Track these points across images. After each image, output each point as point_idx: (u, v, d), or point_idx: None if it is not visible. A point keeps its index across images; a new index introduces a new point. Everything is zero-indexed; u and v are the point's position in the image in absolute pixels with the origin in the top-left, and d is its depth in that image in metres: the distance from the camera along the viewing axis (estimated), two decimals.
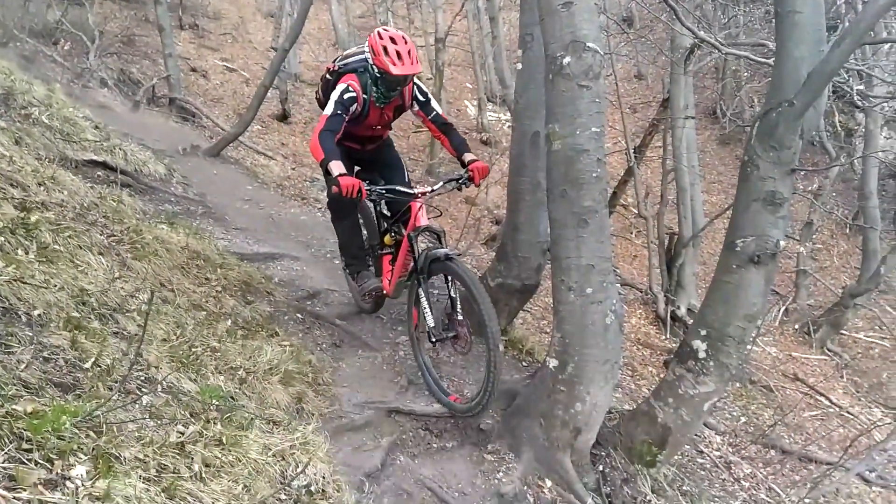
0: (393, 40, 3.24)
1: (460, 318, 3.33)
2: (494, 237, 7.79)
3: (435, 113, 3.63)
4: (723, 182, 12.64)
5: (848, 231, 11.58)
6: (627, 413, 3.61)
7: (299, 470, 2.28)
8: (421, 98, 3.62)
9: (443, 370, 3.82)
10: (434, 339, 3.41)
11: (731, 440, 5.64)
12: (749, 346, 3.45)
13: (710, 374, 3.26)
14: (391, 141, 3.99)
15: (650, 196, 9.53)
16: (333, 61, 3.63)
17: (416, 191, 3.39)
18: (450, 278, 3.33)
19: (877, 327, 9.63)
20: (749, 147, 3.21)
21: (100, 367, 2.25)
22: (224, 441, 2.19)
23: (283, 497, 2.14)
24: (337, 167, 3.13)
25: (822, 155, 12.02)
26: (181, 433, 2.13)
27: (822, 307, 9.24)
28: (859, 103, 8.91)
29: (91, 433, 1.89)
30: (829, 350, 8.90)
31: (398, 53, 3.22)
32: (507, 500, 3.04)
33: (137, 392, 2.27)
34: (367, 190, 3.18)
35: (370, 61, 3.33)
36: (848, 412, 7.37)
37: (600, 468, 3.36)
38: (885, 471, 6.42)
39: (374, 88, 3.42)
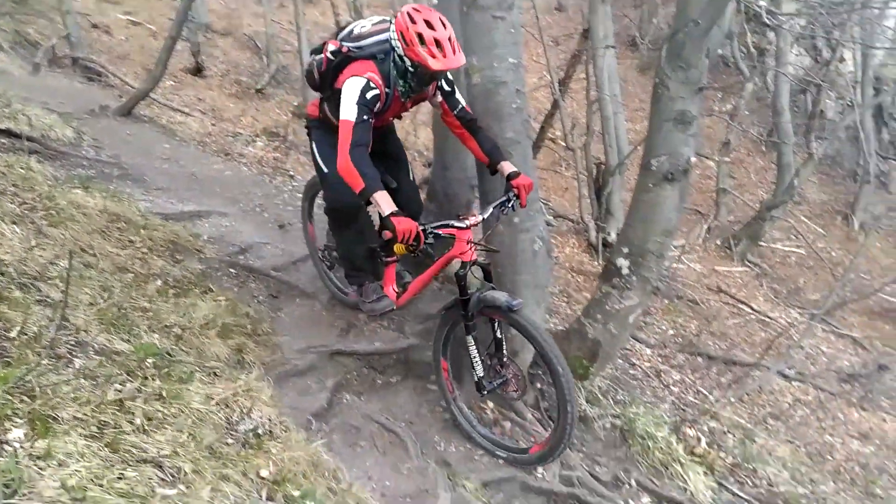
0: (429, 25, 2.65)
1: (506, 359, 3.02)
2: (428, 180, 7.80)
3: (461, 107, 3.07)
4: (645, 109, 12.90)
5: (763, 148, 12.13)
6: (560, 332, 3.80)
7: (244, 415, 2.33)
8: (446, 87, 3.04)
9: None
10: (485, 391, 3.05)
11: (660, 352, 5.99)
12: (667, 260, 3.66)
13: (634, 288, 3.45)
14: (394, 126, 3.45)
15: (577, 128, 9.68)
16: (338, 38, 3.00)
17: (468, 223, 2.85)
18: (496, 320, 2.95)
19: (792, 237, 10.26)
20: (659, 69, 3.32)
21: (26, 335, 2.21)
22: (164, 395, 2.20)
23: (230, 441, 2.18)
24: (386, 202, 2.59)
25: (737, 76, 12.44)
26: (119, 391, 2.13)
27: (741, 222, 9.73)
28: (768, 22, 9.21)
29: (25, 398, 1.87)
30: (749, 262, 9.44)
31: (437, 42, 2.63)
32: (451, 423, 3.19)
33: (69, 356, 2.24)
34: (424, 233, 2.65)
35: (398, 50, 2.73)
36: (768, 317, 7.88)
37: (538, 386, 3.54)
38: (803, 367, 7.00)
39: (402, 82, 2.87)
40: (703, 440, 3.82)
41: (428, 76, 2.81)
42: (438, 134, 4.15)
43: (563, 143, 11.44)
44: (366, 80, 2.74)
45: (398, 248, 3.01)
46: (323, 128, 3.23)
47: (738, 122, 10.10)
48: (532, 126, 4.01)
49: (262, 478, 2.11)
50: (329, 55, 2.97)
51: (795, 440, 5.20)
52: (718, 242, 9.74)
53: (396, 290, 3.35)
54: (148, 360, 2.38)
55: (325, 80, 3.04)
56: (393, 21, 2.78)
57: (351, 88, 2.74)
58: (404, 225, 2.56)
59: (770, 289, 8.99)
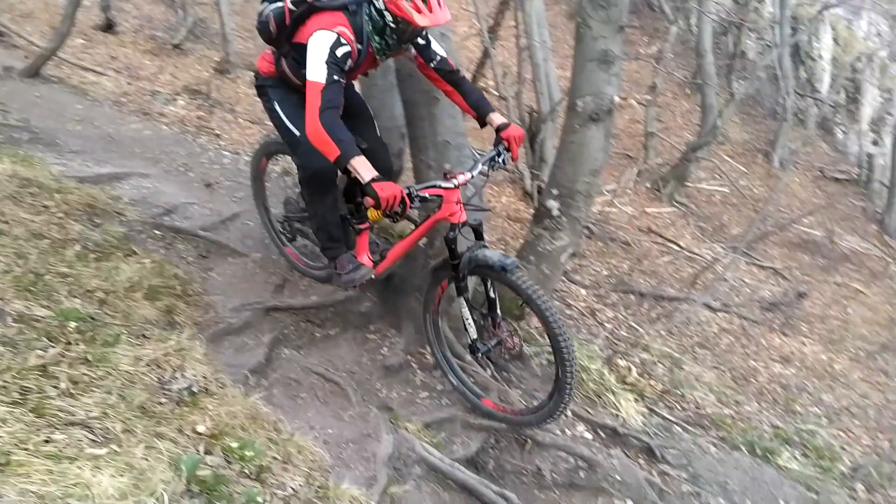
0: None
1: (500, 319, 2.93)
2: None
3: (440, 58, 2.85)
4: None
5: (688, 91, 12.44)
6: None
7: (176, 374, 2.29)
8: (420, 41, 2.80)
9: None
10: (479, 352, 2.99)
11: (595, 292, 6.19)
12: (596, 199, 3.75)
13: (564, 228, 3.52)
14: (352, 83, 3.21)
15: (508, 76, 9.66)
16: None
17: (457, 182, 2.68)
18: (489, 279, 2.84)
19: (716, 176, 10.65)
20: (580, 9, 3.33)
21: None
22: (90, 359, 2.14)
23: (163, 401, 2.15)
24: (366, 168, 2.42)
25: (662, 19, 12.61)
26: (41, 356, 2.06)
27: (669, 164, 10.02)
28: None
29: None
30: (677, 202, 9.77)
31: None
32: (392, 370, 3.24)
33: None
34: (409, 197, 2.49)
35: (377, 2, 2.52)
36: (694, 253, 8.22)
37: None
38: (728, 298, 7.38)
39: (377, 38, 2.63)
40: (634, 370, 4.01)
41: (410, 33, 2.57)
42: (363, 81, 4.06)
43: (496, 93, 11.44)
44: (335, 35, 2.47)
45: (372, 213, 2.91)
46: (283, 86, 2.94)
47: (663, 66, 10.29)
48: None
49: (199, 433, 2.10)
50: (290, 5, 2.65)
51: (721, 366, 5.52)
52: (648, 185, 10.02)
53: (372, 258, 3.15)
54: (70, 324, 2.30)
55: (284, 33, 2.72)
56: None
57: (318, 45, 2.47)
58: (388, 191, 2.37)
59: (697, 227, 9.35)
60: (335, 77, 2.46)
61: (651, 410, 3.73)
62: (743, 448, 3.41)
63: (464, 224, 2.74)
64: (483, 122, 2.92)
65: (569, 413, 3.31)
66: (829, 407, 5.08)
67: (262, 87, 3.02)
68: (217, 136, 6.35)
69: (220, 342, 3.06)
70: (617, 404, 3.41)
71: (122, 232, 3.48)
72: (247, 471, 2.03)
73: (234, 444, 2.03)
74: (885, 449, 4.35)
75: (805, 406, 5.09)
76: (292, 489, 2.04)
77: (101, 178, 4.18)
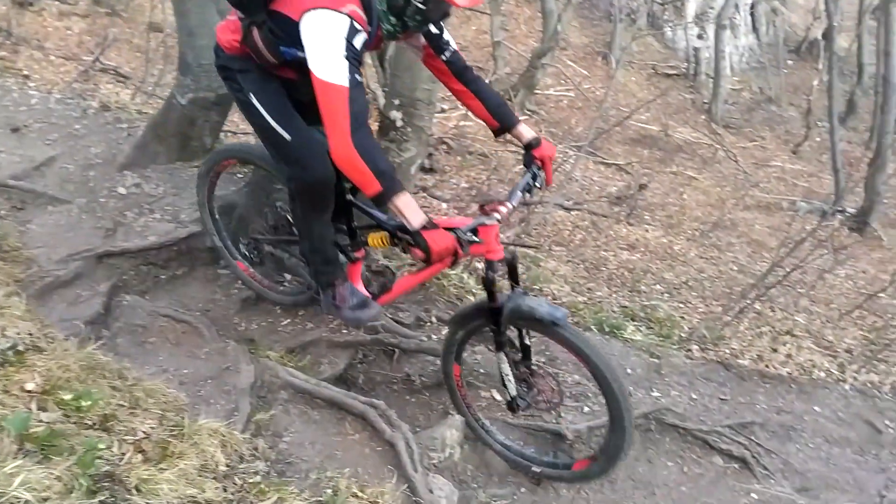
0: None
1: (535, 366, 2.54)
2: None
3: (452, 51, 2.40)
4: None
5: None
6: None
7: None
8: (434, 28, 2.33)
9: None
10: (520, 409, 2.56)
11: (455, 205, 6.30)
12: (436, 106, 3.73)
13: (410, 139, 3.49)
14: None
15: None
16: None
17: (498, 217, 2.21)
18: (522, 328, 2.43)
19: (562, 81, 11.03)
20: None
21: None
22: None
23: None
24: (413, 209, 2.01)
25: None
26: None
27: (517, 73, 10.20)
28: None
29: None
30: (528, 110, 10.05)
31: None
32: (250, 303, 3.13)
33: None
34: (460, 243, 2.08)
35: None
36: None
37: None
38: (579, 197, 7.81)
39: (393, 20, 2.12)
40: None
41: (439, 14, 2.11)
42: None
43: None
44: (348, 18, 1.96)
45: (375, 240, 2.53)
46: (254, 69, 2.32)
47: None
48: None
49: (29, 391, 1.92)
50: None
51: (575, 259, 5.89)
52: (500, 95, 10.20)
53: (369, 290, 2.71)
54: None
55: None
56: None
57: (327, 31, 1.96)
58: (441, 242, 1.98)
59: (548, 132, 9.71)
60: (357, 77, 1.97)
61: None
62: (593, 328, 3.69)
63: (500, 261, 2.32)
64: (500, 132, 2.50)
65: (434, 319, 3.39)
66: (669, 283, 5.61)
67: (227, 69, 2.37)
68: (26, 76, 5.58)
69: (49, 297, 2.79)
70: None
71: None
72: (89, 421, 1.90)
73: (68, 397, 1.88)
74: (717, 313, 4.88)
75: (649, 285, 5.57)
76: (143, 433, 1.94)
77: None
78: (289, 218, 2.83)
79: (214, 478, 1.91)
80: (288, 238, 2.89)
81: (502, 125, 2.48)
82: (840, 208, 7.72)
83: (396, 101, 3.47)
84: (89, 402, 1.88)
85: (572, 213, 7.24)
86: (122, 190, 3.57)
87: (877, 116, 8.37)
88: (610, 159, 9.09)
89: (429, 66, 2.51)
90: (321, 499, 1.97)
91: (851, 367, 3.87)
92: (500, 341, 2.41)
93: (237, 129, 5.60)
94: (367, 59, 8.18)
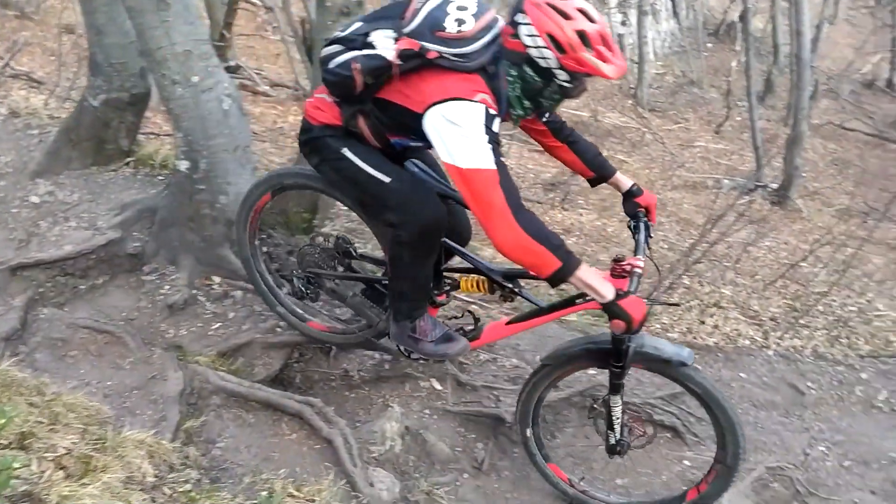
0: (586, 15, 1.85)
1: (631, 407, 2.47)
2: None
3: (550, 113, 2.27)
4: None
5: None
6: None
7: None
8: None
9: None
10: (624, 451, 2.41)
11: None
12: None
13: None
14: None
15: None
16: (407, 32, 1.96)
17: (640, 272, 2.08)
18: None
19: None
20: None
21: None
22: None
23: None
24: (599, 281, 1.93)
25: None
26: None
27: None
28: None
29: None
30: None
31: (603, 40, 1.86)
32: (177, 308, 3.03)
33: None
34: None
35: (546, 61, 1.88)
36: None
37: (265, 250, 3.48)
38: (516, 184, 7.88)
39: (527, 103, 2.02)
40: None
41: (581, 91, 2.00)
42: None
43: (260, 2, 10.68)
44: (482, 106, 1.89)
45: (467, 283, 2.42)
46: (353, 137, 2.23)
47: None
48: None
49: None
50: (397, 58, 1.96)
51: None
52: None
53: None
54: None
55: (369, 89, 2.07)
56: (522, 13, 1.87)
57: (465, 121, 1.87)
58: (639, 309, 1.91)
59: None
60: (501, 159, 1.91)
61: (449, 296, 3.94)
62: None
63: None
64: (597, 183, 2.42)
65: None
66: (604, 265, 5.72)
67: (320, 139, 2.27)
68: None
69: None
70: None
71: None
72: (4, 441, 1.81)
73: None
74: (648, 290, 5.03)
75: None
76: (64, 448, 1.86)
77: None
78: (351, 251, 2.70)
79: (142, 489, 1.85)
80: (358, 276, 2.72)
81: (599, 175, 2.41)
82: (762, 183, 8.07)
83: None
84: (3, 421, 1.79)
85: None
86: (34, 199, 3.41)
87: (793, 94, 8.76)
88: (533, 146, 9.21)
89: (526, 129, 2.39)
90: (256, 502, 1.94)
91: (775, 333, 4.05)
92: (619, 384, 2.25)
93: (160, 131, 5.40)
94: (296, 53, 8.04)
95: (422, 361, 2.76)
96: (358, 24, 2.09)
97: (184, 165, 3.12)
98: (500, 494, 2.54)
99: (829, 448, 3.05)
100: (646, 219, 2.38)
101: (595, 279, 1.92)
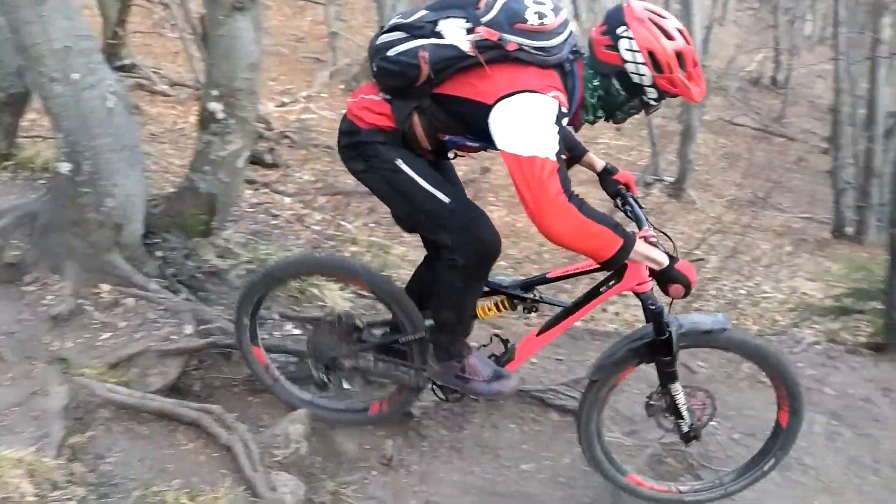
0: (684, 36, 1.90)
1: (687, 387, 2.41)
2: None
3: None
4: None
5: None
6: (172, 194, 3.57)
7: None
8: None
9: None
10: (698, 436, 2.42)
11: (301, 199, 6.17)
12: (258, 96, 3.61)
13: (234, 131, 3.34)
14: None
15: None
16: (486, 21, 1.90)
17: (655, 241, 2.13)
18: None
19: None
20: None
21: None
22: None
23: None
24: (655, 249, 1.99)
25: None
26: None
27: (358, 63, 10.13)
28: None
29: None
30: None
31: (694, 63, 1.90)
32: (62, 319, 2.85)
33: None
34: None
35: (641, 77, 1.90)
36: None
37: (159, 254, 3.34)
38: None
39: (600, 112, 2.06)
40: None
41: (656, 109, 2.04)
42: None
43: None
44: (555, 102, 1.89)
45: (483, 310, 2.37)
46: (401, 144, 2.13)
47: None
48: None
49: None
50: (476, 48, 1.90)
51: None
52: (342, 87, 10.08)
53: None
54: None
55: (430, 81, 1.99)
56: (625, 27, 1.89)
57: (537, 113, 1.86)
58: (691, 271, 2.00)
59: None
60: (560, 152, 1.88)
61: (359, 295, 3.91)
62: None
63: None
64: (571, 164, 2.37)
65: (276, 315, 3.29)
66: (513, 258, 5.88)
67: (369, 144, 2.13)
68: None
69: None
70: (322, 296, 3.48)
71: None
72: None
73: None
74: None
75: (497, 265, 5.81)
76: None
77: None
78: (357, 324, 2.55)
79: None
80: (383, 343, 2.55)
81: (572, 156, 2.39)
82: (658, 177, 8.50)
83: (215, 92, 3.32)
84: None
85: None
86: None
87: None
88: None
89: None
90: None
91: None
92: (673, 372, 2.26)
93: (47, 133, 5.06)
94: (196, 51, 7.72)
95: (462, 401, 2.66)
96: (423, 12, 2.01)
97: (65, 167, 2.95)
98: (408, 489, 2.54)
99: (719, 422, 3.24)
100: (629, 193, 2.42)
101: (652, 249, 1.98)
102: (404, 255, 5.40)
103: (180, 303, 3.05)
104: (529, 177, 1.85)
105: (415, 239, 6.08)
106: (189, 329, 2.92)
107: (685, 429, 2.38)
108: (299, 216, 5.68)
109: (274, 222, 5.26)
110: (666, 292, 2.06)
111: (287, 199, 6.01)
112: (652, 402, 2.42)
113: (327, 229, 5.50)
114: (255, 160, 6.44)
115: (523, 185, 1.87)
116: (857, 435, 3.20)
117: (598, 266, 2.08)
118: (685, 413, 2.35)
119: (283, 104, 8.99)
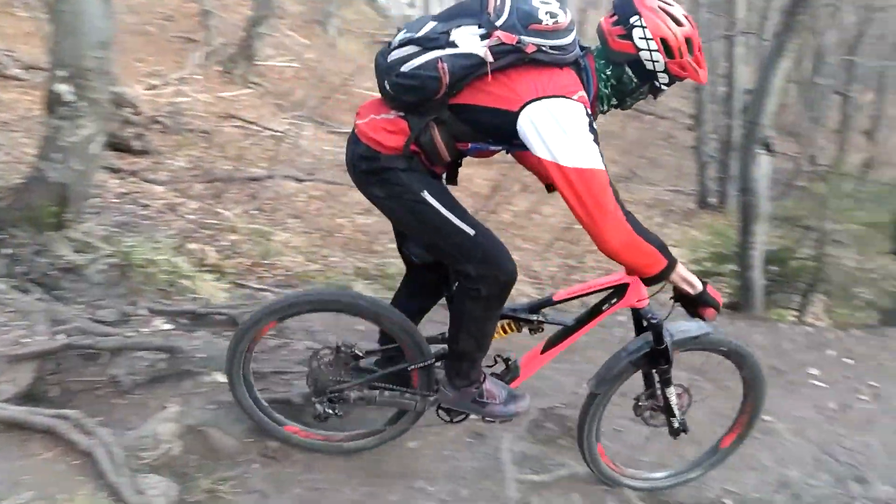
0: (691, 22, 1.96)
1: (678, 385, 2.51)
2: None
3: None
4: None
5: None
6: (19, 185, 3.27)
7: None
8: None
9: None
10: (686, 431, 2.56)
11: (174, 187, 5.82)
12: (111, 75, 3.37)
13: (85, 114, 3.11)
14: None
15: None
16: (500, 24, 1.87)
17: None
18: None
19: (283, 52, 10.75)
20: None
21: None
22: None
23: None
24: (692, 274, 2.14)
25: None
26: None
27: (234, 43, 9.68)
28: None
29: None
30: (252, 82, 9.62)
31: (699, 48, 1.96)
32: None
33: None
34: None
35: (654, 64, 1.95)
36: (277, 131, 8.30)
37: (7, 251, 3.05)
38: (312, 167, 7.72)
39: (615, 101, 2.10)
40: (213, 252, 3.95)
41: (662, 94, 2.10)
42: None
43: None
44: (581, 105, 1.90)
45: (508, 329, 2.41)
46: (418, 168, 2.06)
47: None
48: None
49: None
50: (492, 53, 1.85)
51: (311, 230, 5.86)
52: (218, 68, 9.59)
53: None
54: None
55: (447, 95, 1.94)
56: (637, 16, 1.92)
57: (569, 119, 1.87)
58: (718, 295, 2.19)
59: (275, 104, 9.43)
60: (603, 158, 1.92)
61: (237, 285, 3.77)
62: None
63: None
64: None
65: (144, 311, 3.11)
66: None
67: (390, 171, 2.03)
68: None
69: None
70: (194, 288, 3.33)
71: None
72: None
73: None
74: None
75: (384, 244, 5.78)
76: None
77: None
78: (356, 353, 2.42)
79: None
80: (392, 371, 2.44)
81: None
82: None
83: (62, 73, 3.06)
84: None
85: (307, 184, 7.16)
86: None
87: None
88: (340, 127, 9.15)
89: None
90: None
91: (549, 289, 4.45)
92: (670, 377, 2.41)
93: None
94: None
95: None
96: (432, 24, 1.96)
97: None
98: (292, 479, 2.49)
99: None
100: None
101: (689, 274, 2.12)
102: (287, 241, 5.26)
103: (31, 303, 2.81)
104: (583, 190, 1.89)
105: (298, 224, 5.97)
106: (42, 330, 2.69)
107: (675, 425, 2.55)
108: (172, 205, 5.37)
109: (143, 213, 4.95)
110: (697, 315, 2.24)
111: (158, 188, 5.66)
112: (640, 404, 2.56)
113: (204, 218, 5.25)
114: (122, 147, 6.02)
115: (575, 198, 1.91)
116: (717, 388, 3.47)
117: (602, 287, 2.30)
118: (677, 411, 2.51)
119: (153, 87, 8.43)
